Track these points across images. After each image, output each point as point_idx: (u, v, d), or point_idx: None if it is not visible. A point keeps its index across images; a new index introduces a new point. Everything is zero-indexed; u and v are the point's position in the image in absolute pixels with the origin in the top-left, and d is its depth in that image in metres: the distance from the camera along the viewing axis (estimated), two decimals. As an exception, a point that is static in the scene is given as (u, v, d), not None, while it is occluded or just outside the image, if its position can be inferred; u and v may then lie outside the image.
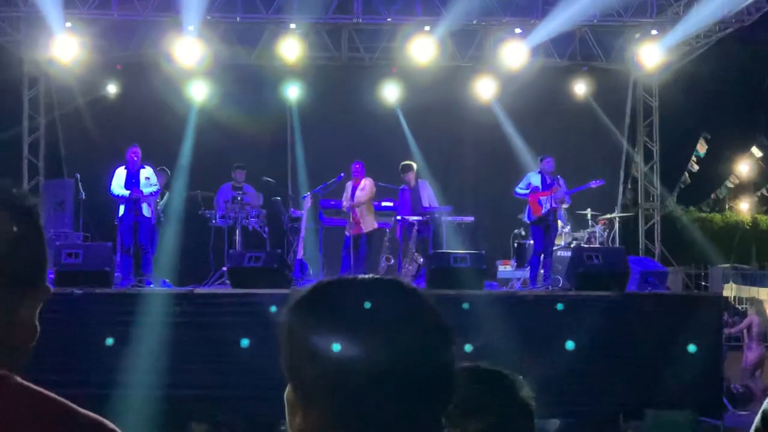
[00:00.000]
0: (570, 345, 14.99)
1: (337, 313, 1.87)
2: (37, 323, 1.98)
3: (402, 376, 1.81)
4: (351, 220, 18.15)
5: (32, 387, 1.90)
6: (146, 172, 17.59)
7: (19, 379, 1.90)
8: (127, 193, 17.33)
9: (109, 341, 14.57)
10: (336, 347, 1.81)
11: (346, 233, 18.37)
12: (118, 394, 13.84)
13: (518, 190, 18.22)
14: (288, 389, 1.92)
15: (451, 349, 1.93)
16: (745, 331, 19.46)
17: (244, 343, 14.87)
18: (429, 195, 18.89)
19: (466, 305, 14.85)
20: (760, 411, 3.04)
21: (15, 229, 1.93)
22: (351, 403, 1.81)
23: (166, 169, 19.03)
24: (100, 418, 1.93)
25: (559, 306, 15.14)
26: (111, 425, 1.93)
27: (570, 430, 14.45)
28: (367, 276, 2.00)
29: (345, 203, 18.41)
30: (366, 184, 18.36)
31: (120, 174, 17.50)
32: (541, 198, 17.89)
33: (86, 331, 14.49)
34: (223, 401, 14.79)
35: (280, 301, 15.30)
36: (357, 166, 18.43)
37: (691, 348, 15.17)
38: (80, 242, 18.31)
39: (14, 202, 1.95)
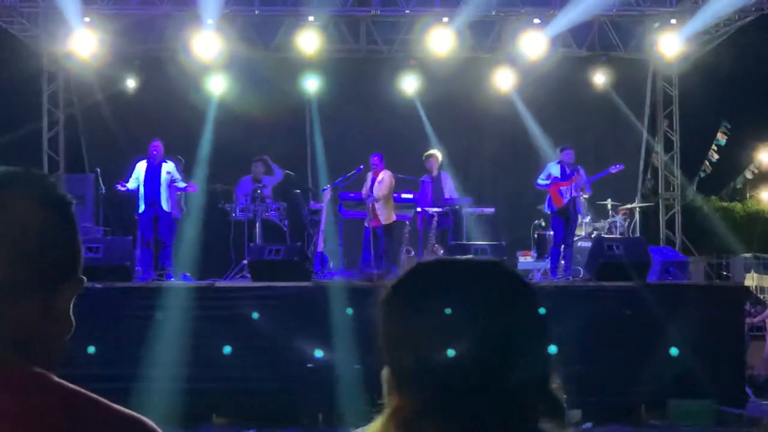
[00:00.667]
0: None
1: (434, 296, 1.84)
2: (72, 316, 1.96)
3: (497, 365, 1.79)
4: (370, 212, 18.16)
5: (70, 386, 1.88)
6: (168, 167, 17.64)
7: (56, 378, 1.88)
8: (134, 186, 17.42)
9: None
10: (433, 332, 1.79)
11: (366, 225, 18.39)
12: (141, 388, 13.88)
13: (539, 182, 18.23)
14: (385, 370, 1.89)
15: (547, 339, 1.90)
16: (767, 320, 19.40)
17: (266, 335, 14.89)
18: (450, 187, 18.88)
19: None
20: None
21: (48, 219, 1.91)
22: (445, 390, 1.78)
23: (181, 159, 19.01)
24: (140, 417, 1.90)
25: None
26: (151, 423, 1.92)
27: (591, 421, 14.41)
28: (468, 258, 1.98)
29: (364, 192, 18.44)
30: (384, 177, 18.35)
31: (139, 167, 17.56)
32: (561, 188, 17.88)
33: (107, 325, 14.52)
34: (245, 394, 14.81)
35: (296, 295, 15.36)
36: (375, 158, 18.42)
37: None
38: (101, 236, 18.35)
39: (46, 193, 1.94)
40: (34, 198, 1.91)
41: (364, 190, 18.46)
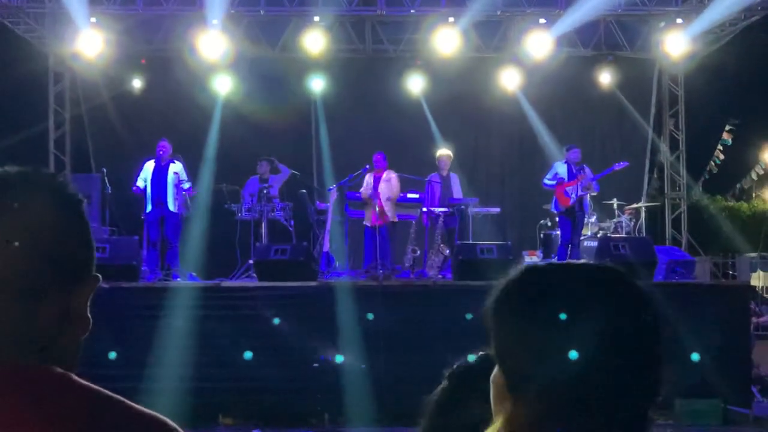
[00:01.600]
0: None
1: (552, 301, 1.81)
2: (89, 315, 1.97)
3: (615, 371, 1.77)
4: (377, 210, 18.12)
5: (91, 386, 1.88)
6: (176, 167, 17.67)
7: (77, 378, 1.88)
8: (142, 185, 17.46)
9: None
10: (552, 339, 1.77)
11: (367, 224, 18.36)
12: (147, 388, 13.89)
13: (546, 181, 18.26)
14: (496, 373, 1.87)
15: (661, 345, 1.89)
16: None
17: (272, 335, 14.91)
18: (457, 188, 18.89)
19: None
20: None
21: (62, 219, 1.90)
22: (563, 395, 1.76)
23: (180, 158, 19.02)
24: (161, 417, 1.90)
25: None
26: (172, 423, 1.92)
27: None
28: (583, 262, 1.96)
29: (366, 192, 18.40)
30: (392, 176, 18.35)
31: (147, 167, 17.59)
32: (567, 188, 17.88)
33: (114, 325, 14.53)
34: (251, 393, 14.82)
35: (302, 295, 15.37)
36: (379, 156, 18.41)
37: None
38: (107, 236, 18.36)
39: (59, 192, 1.94)
40: (47, 198, 1.90)
41: (367, 190, 18.40)
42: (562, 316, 1.77)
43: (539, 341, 1.78)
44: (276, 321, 14.96)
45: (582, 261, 1.97)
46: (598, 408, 1.77)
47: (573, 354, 1.75)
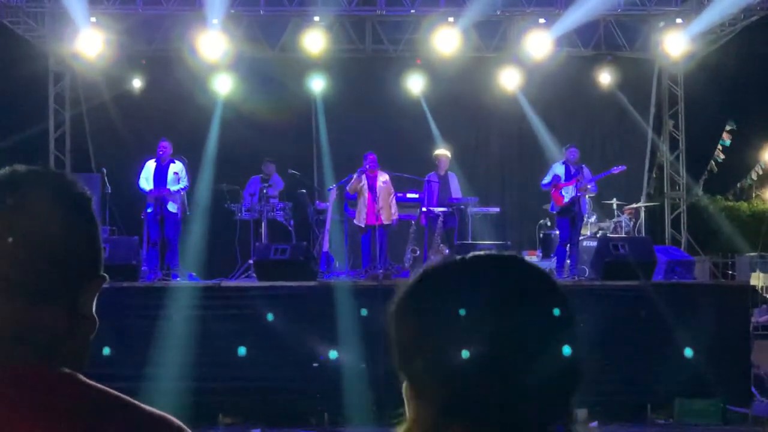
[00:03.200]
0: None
1: (446, 297, 1.77)
2: (95, 314, 1.97)
3: (515, 366, 1.72)
4: (375, 210, 18.07)
5: (97, 386, 1.88)
6: (176, 167, 17.68)
7: (83, 378, 1.89)
8: (148, 188, 17.44)
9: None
10: (447, 335, 1.73)
11: (361, 224, 18.26)
12: (147, 387, 13.90)
13: (543, 182, 18.27)
14: (405, 384, 1.83)
15: (571, 331, 1.82)
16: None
17: (271, 335, 14.91)
18: (455, 187, 18.89)
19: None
20: None
21: (70, 219, 1.89)
22: (461, 395, 1.73)
23: (183, 158, 19.02)
24: (166, 415, 1.91)
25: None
26: (177, 421, 1.92)
27: (598, 420, 14.41)
28: (482, 254, 1.88)
29: (357, 185, 18.21)
30: (387, 177, 18.33)
31: (149, 167, 17.61)
32: (562, 189, 17.90)
33: (113, 325, 14.53)
34: (251, 393, 14.83)
35: (301, 294, 15.38)
36: (372, 156, 18.33)
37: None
38: (107, 236, 18.35)
39: (66, 191, 1.93)
40: (54, 197, 1.89)
41: (360, 188, 18.22)
42: (460, 311, 1.74)
43: (436, 340, 1.75)
44: (270, 317, 14.95)
45: (482, 252, 1.88)
46: (496, 404, 1.72)
47: (468, 349, 1.71)
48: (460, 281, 1.81)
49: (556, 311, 1.79)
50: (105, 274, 1.97)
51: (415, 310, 1.82)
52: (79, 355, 1.94)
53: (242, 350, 14.88)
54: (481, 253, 1.89)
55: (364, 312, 14.73)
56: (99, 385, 1.89)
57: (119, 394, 1.91)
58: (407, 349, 1.81)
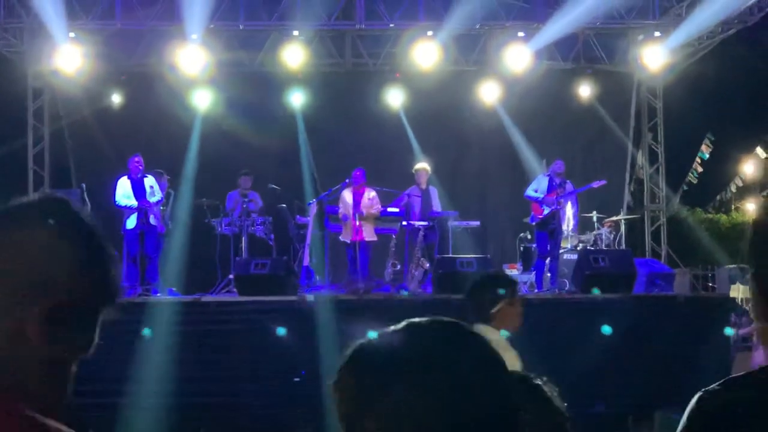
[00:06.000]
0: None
1: (387, 365, 1.80)
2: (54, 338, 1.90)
3: (461, 419, 1.74)
4: (358, 224, 18.05)
5: (43, 421, 1.81)
6: (150, 181, 17.67)
7: (29, 411, 1.81)
8: (135, 203, 17.37)
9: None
10: (391, 397, 1.75)
11: (345, 240, 18.25)
12: (128, 403, 13.85)
13: (528, 193, 18.28)
14: None
15: (507, 386, 1.85)
16: (755, 332, 19.38)
17: (253, 350, 14.90)
18: (436, 201, 18.91)
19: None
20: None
21: (12, 238, 1.87)
22: None
23: (163, 172, 18.97)
24: None
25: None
26: None
27: (579, 433, 14.43)
28: (413, 322, 1.91)
29: (347, 210, 18.30)
30: (374, 195, 18.33)
31: (124, 184, 17.55)
32: (543, 201, 17.94)
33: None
34: (232, 408, 14.79)
35: (282, 309, 15.36)
36: (358, 173, 18.34)
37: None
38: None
39: (68, 219, 1.88)
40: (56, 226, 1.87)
41: (346, 207, 18.27)
42: (399, 376, 1.77)
43: (379, 404, 1.77)
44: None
45: (421, 320, 1.92)
46: None
47: (412, 411, 1.74)
48: (398, 362, 1.82)
49: (488, 369, 1.85)
50: (61, 297, 1.90)
51: (360, 376, 1.85)
52: (28, 382, 1.86)
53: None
54: (422, 320, 1.91)
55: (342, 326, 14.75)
56: (47, 422, 1.82)
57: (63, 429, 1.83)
58: (354, 413, 1.83)
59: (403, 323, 1.91)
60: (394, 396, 1.76)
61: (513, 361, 5.86)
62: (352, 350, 1.89)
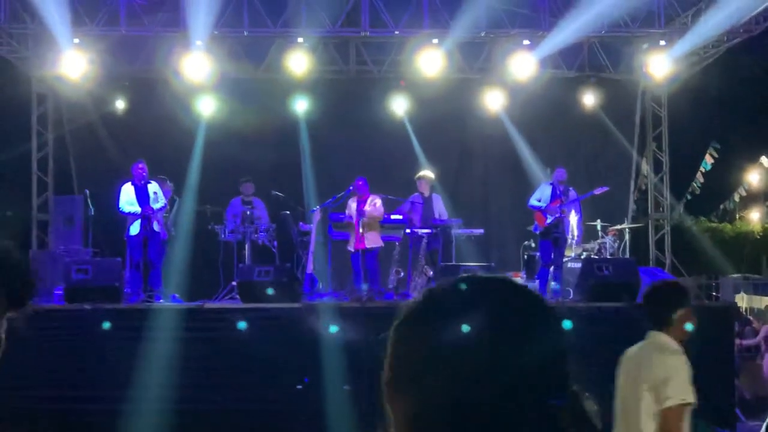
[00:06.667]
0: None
1: (440, 324, 1.78)
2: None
3: (512, 392, 1.74)
4: (361, 233, 18.02)
5: None
6: (153, 187, 17.62)
7: None
8: (139, 210, 17.33)
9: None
10: (443, 362, 1.74)
11: (351, 249, 18.21)
12: (130, 409, 13.83)
13: (531, 202, 18.23)
14: (392, 407, 1.82)
15: (563, 347, 1.95)
16: (762, 341, 19.37)
17: (255, 357, 14.85)
18: (440, 208, 18.88)
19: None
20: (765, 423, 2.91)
21: None
22: (459, 426, 1.72)
23: (166, 178, 18.96)
24: None
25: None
26: None
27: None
28: (475, 277, 1.90)
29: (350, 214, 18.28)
30: (378, 202, 18.24)
31: (128, 190, 17.50)
32: (546, 210, 17.90)
33: (96, 346, 14.48)
34: (234, 415, 14.76)
35: (285, 316, 15.32)
36: (361, 182, 18.26)
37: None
38: (90, 258, 18.34)
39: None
40: None
41: (352, 214, 18.25)
42: (453, 326, 1.75)
43: (432, 366, 1.75)
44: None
45: (476, 275, 1.91)
46: (489, 411, 1.73)
47: (466, 376, 1.72)
48: (456, 306, 1.81)
49: (545, 334, 1.89)
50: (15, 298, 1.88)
51: (412, 335, 1.82)
52: None
53: (226, 371, 14.85)
54: (478, 276, 1.90)
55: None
56: None
57: None
58: (405, 375, 1.80)
59: (460, 277, 1.89)
60: (467, 342, 1.75)
61: (684, 367, 6.65)
62: (423, 297, 1.88)
